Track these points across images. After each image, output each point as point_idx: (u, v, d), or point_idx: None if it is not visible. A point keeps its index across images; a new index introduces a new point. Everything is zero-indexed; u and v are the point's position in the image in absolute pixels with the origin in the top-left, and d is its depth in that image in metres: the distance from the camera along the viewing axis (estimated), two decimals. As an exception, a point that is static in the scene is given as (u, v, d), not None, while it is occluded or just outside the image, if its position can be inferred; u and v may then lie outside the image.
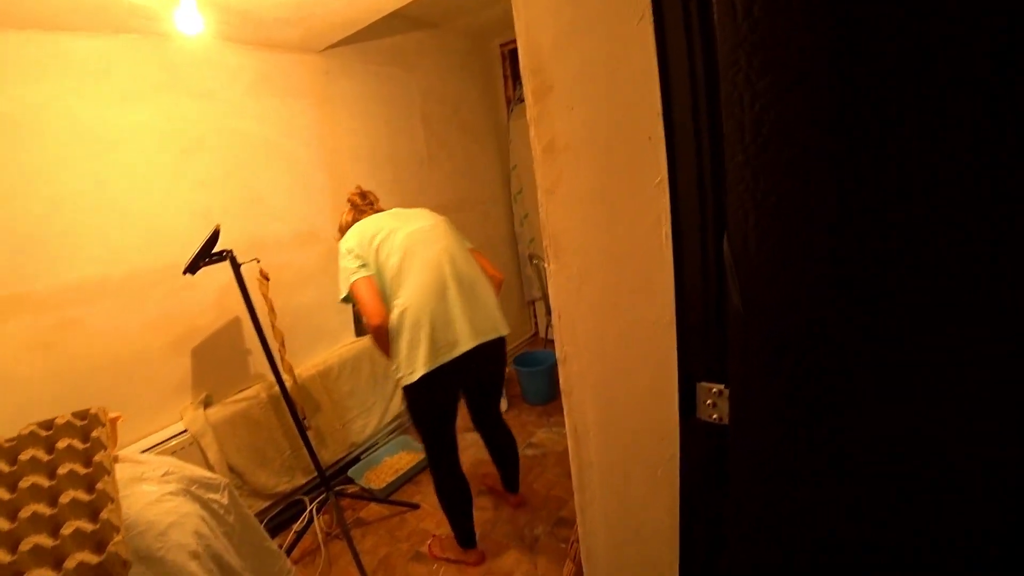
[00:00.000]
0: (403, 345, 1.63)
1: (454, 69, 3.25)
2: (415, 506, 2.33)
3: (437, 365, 1.63)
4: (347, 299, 1.72)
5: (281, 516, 2.29)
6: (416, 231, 1.73)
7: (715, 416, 0.80)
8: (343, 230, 1.87)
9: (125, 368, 1.92)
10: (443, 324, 1.64)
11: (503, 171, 3.67)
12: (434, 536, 2.14)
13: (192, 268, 1.74)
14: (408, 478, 2.53)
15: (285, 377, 2.06)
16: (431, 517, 2.27)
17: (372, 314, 1.62)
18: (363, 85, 2.68)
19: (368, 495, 2.41)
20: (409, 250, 1.68)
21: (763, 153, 0.63)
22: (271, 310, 2.04)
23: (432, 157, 3.08)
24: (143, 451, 1.84)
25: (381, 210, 1.92)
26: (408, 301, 1.63)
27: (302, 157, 2.44)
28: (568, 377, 1.00)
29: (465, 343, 1.66)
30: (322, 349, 2.59)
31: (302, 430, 2.05)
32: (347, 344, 2.67)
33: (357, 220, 1.84)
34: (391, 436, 2.85)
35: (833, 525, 0.75)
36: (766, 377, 0.72)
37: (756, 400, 0.74)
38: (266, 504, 2.23)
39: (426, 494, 2.42)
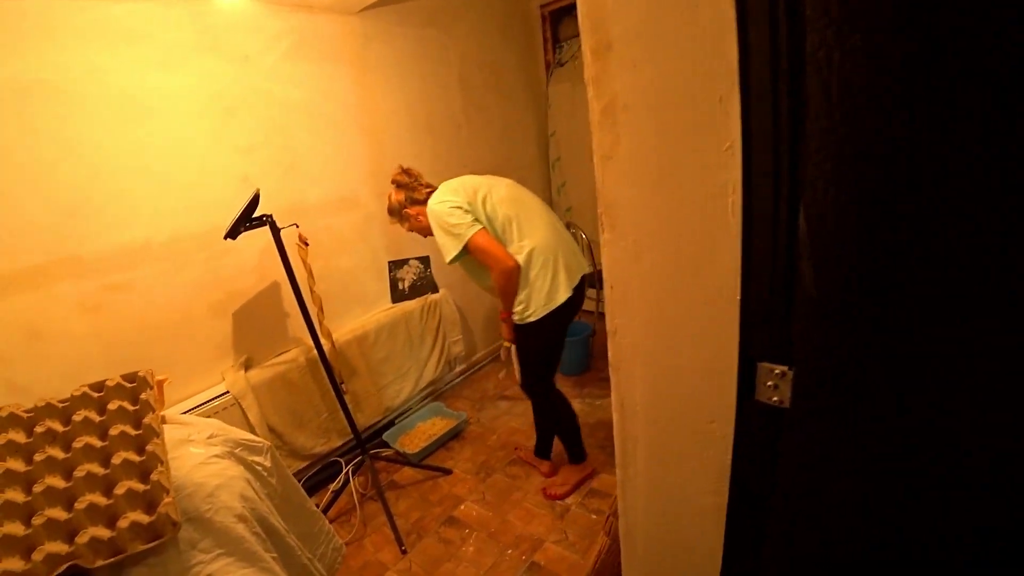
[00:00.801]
0: (536, 280, 1.77)
1: (492, 31, 3.14)
2: (448, 471, 2.37)
3: (575, 286, 1.81)
4: (458, 257, 1.77)
5: (318, 476, 2.36)
6: (510, 185, 1.90)
7: (775, 399, 0.76)
8: (394, 212, 1.99)
9: (169, 331, 1.97)
10: (570, 253, 1.84)
11: (541, 138, 3.58)
12: (543, 490, 2.18)
13: (233, 233, 1.75)
14: (442, 443, 2.56)
15: (323, 342, 2.08)
16: (463, 483, 2.30)
17: (505, 257, 1.72)
18: (400, 48, 2.62)
19: (402, 459, 2.45)
20: (515, 201, 1.83)
21: (849, 120, 0.57)
22: (310, 275, 2.06)
23: (469, 122, 3.01)
24: (186, 412, 1.90)
25: (430, 185, 1.96)
26: (534, 242, 1.76)
27: (339, 122, 2.42)
28: (618, 350, 0.96)
29: (585, 267, 1.89)
30: (359, 314, 2.61)
31: (339, 394, 2.09)
32: (384, 310, 2.68)
33: (410, 198, 1.95)
34: (424, 402, 2.88)
35: (859, 520, 0.73)
36: (817, 362, 0.69)
37: (810, 385, 0.71)
38: (304, 464, 2.30)
39: (458, 460, 2.46)
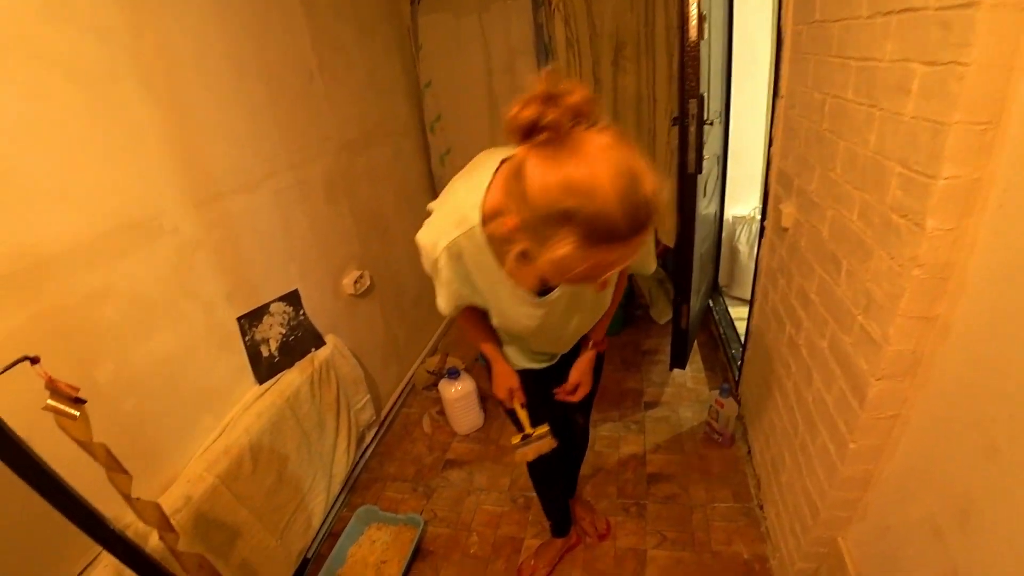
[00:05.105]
0: None
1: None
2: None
3: None
4: None
5: None
6: None
7: None
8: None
9: None
10: None
11: (412, 89, 2.58)
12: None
13: None
14: (402, 581, 1.65)
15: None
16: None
17: None
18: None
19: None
20: None
21: None
22: (112, 470, 0.91)
23: (325, 67, 1.90)
24: None
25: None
26: None
27: (100, 72, 1.18)
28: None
29: None
30: (210, 425, 1.47)
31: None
32: (251, 403, 1.57)
33: None
34: (343, 507, 1.90)
35: None
36: None
37: None
38: None
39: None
